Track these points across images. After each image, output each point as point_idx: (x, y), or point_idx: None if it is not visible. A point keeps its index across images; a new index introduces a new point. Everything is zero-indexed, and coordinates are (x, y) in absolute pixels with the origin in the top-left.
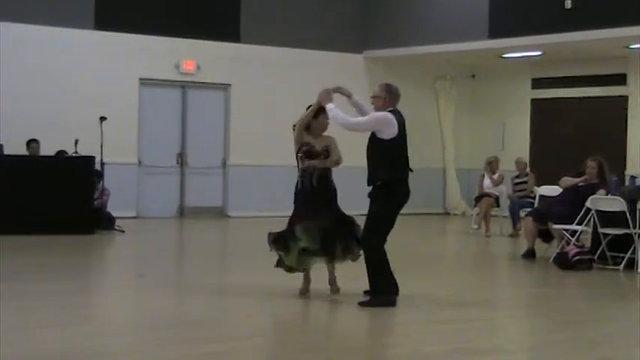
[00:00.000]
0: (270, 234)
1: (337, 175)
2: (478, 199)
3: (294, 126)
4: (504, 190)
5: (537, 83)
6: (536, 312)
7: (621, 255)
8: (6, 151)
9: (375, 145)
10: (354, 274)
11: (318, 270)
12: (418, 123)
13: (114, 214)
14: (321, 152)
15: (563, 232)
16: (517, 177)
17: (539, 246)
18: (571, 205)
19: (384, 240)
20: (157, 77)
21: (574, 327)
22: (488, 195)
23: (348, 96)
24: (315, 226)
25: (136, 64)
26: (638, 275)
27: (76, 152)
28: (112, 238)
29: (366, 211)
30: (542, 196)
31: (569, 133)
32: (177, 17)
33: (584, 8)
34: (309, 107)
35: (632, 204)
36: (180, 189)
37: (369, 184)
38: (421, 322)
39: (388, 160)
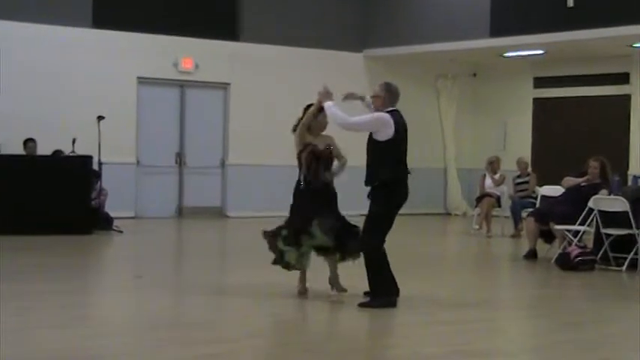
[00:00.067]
0: (266, 232)
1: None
2: (479, 199)
3: (295, 127)
4: (506, 190)
5: (539, 82)
6: (537, 313)
7: (624, 256)
8: (2, 151)
9: (372, 145)
10: (353, 274)
11: (318, 270)
12: (419, 122)
13: (112, 214)
14: (324, 151)
15: (566, 232)
16: (518, 177)
17: (541, 246)
18: (573, 206)
19: (383, 240)
20: (155, 76)
21: (575, 328)
22: (489, 195)
23: (362, 99)
24: (329, 224)
25: (133, 63)
26: None
27: (73, 152)
28: (110, 238)
29: (365, 211)
30: (544, 196)
31: (571, 133)
32: (175, 15)
33: (587, 6)
34: (307, 107)
35: (634, 204)
36: (179, 189)
37: (366, 185)
38: (421, 324)
39: (385, 161)
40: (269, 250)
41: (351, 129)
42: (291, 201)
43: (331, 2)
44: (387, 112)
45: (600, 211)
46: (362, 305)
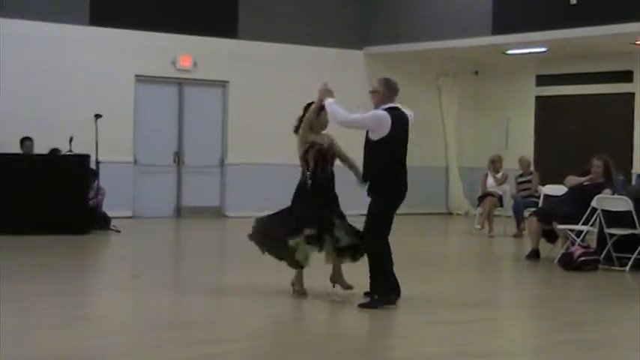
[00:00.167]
0: (274, 230)
1: (337, 175)
2: (481, 198)
3: (296, 128)
4: (508, 190)
5: (542, 80)
6: (539, 313)
7: (627, 256)
8: None
9: (367, 144)
10: (353, 274)
11: (317, 269)
12: (420, 121)
13: (109, 213)
14: (329, 149)
15: (568, 232)
16: (521, 176)
17: (544, 246)
18: (576, 205)
19: (385, 238)
20: (153, 74)
21: (577, 329)
22: (491, 194)
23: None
24: (347, 224)
25: (131, 61)
26: None
27: (70, 150)
28: (108, 238)
29: (365, 210)
30: (546, 196)
31: (574, 131)
32: (173, 13)
33: (590, 3)
34: (307, 106)
35: (638, 203)
36: (177, 188)
37: (363, 181)
38: (422, 324)
39: (379, 160)
40: (255, 243)
41: (352, 126)
42: (290, 200)
43: None
44: (387, 108)
45: (604, 211)
46: (362, 306)
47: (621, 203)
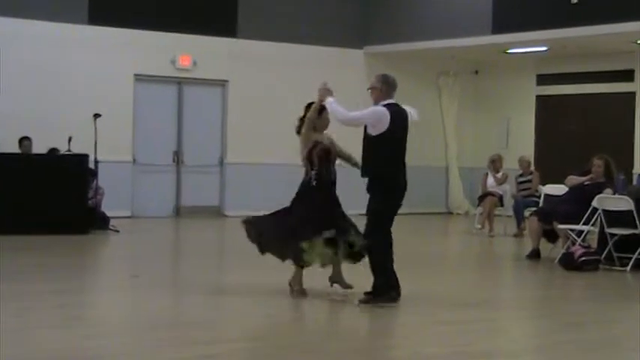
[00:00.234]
0: (274, 230)
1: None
2: (481, 198)
3: (298, 129)
4: (508, 189)
5: (542, 79)
6: (539, 313)
7: (628, 256)
8: None
9: (366, 139)
10: (353, 274)
11: (316, 269)
12: (420, 120)
13: (108, 213)
14: (332, 148)
15: (569, 232)
16: (521, 175)
17: (544, 246)
18: (577, 205)
19: (385, 236)
20: (153, 73)
21: (578, 329)
22: (491, 194)
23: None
24: (354, 225)
25: (130, 60)
26: None
27: (69, 150)
28: (107, 238)
29: (365, 210)
30: (547, 195)
31: (574, 131)
32: (173, 11)
33: (590, 2)
34: (308, 106)
35: (639, 203)
36: (176, 188)
37: (362, 176)
38: (422, 324)
39: (378, 155)
40: (256, 244)
41: (351, 124)
42: (291, 200)
43: None
44: (385, 104)
45: (604, 211)
46: (362, 302)
47: (622, 203)
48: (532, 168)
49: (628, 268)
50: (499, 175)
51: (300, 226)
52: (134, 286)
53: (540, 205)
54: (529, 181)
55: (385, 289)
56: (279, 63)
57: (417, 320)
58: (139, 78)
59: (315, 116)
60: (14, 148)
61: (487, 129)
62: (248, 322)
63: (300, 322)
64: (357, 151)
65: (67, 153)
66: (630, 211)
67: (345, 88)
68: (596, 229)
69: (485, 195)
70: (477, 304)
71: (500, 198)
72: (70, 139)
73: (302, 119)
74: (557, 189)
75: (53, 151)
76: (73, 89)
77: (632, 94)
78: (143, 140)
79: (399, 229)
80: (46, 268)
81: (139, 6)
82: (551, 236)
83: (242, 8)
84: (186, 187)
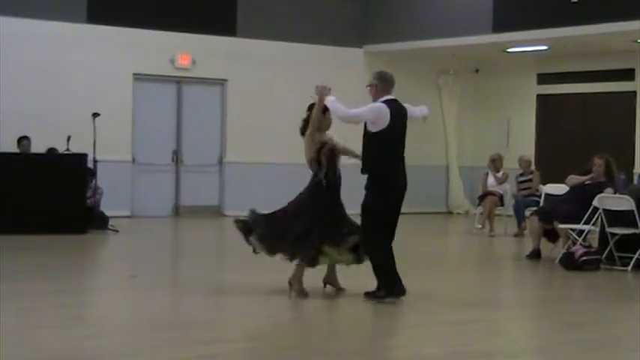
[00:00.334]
0: (285, 230)
1: None
2: (482, 197)
3: (303, 130)
4: (509, 189)
5: (543, 78)
6: (540, 314)
7: (629, 255)
8: None
9: (366, 136)
10: (353, 274)
11: (315, 269)
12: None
13: (107, 213)
14: (337, 148)
15: (570, 231)
16: (521, 175)
17: (545, 246)
18: (578, 204)
19: (385, 236)
20: (152, 72)
21: (578, 329)
22: (492, 193)
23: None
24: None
25: (129, 59)
26: None
27: (67, 149)
28: (106, 237)
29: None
30: (547, 195)
31: (575, 130)
32: (172, 10)
33: (591, 1)
34: (310, 106)
35: None
36: (176, 187)
37: (362, 173)
38: (422, 324)
39: (378, 152)
40: (265, 247)
41: (352, 121)
42: (290, 199)
43: None
44: (384, 101)
45: (605, 210)
46: (367, 294)
47: (623, 202)
48: (532, 167)
49: (629, 267)
50: (499, 174)
51: (316, 227)
52: (134, 286)
53: (541, 204)
54: (529, 180)
55: (387, 287)
56: (278, 62)
57: (417, 320)
58: (138, 77)
59: (319, 117)
60: (13, 148)
61: (487, 128)
62: (248, 322)
63: (300, 322)
64: (357, 151)
65: (65, 152)
66: (631, 211)
67: (345, 87)
68: (597, 229)
69: (485, 194)
70: (477, 304)
71: (501, 197)
72: (68, 139)
73: (306, 120)
74: (558, 188)
75: (51, 150)
76: (72, 88)
77: (633, 94)
78: (142, 139)
79: (399, 229)
80: (45, 268)
81: (138, 5)
82: (552, 236)
83: (241, 7)
84: (185, 186)
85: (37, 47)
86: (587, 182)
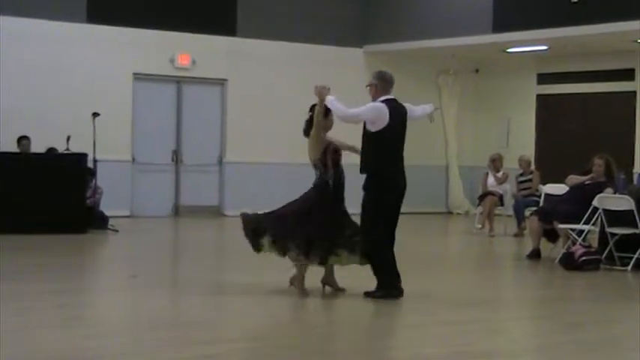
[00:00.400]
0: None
1: None
2: (482, 197)
3: (306, 131)
4: (509, 189)
5: (543, 78)
6: (540, 314)
7: (629, 255)
8: None
9: (365, 135)
10: (352, 275)
11: (315, 269)
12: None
13: (107, 213)
14: (340, 149)
15: (570, 231)
16: (521, 175)
17: (545, 246)
18: (577, 204)
19: (385, 236)
20: (151, 72)
21: (578, 329)
22: (492, 193)
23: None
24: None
25: (129, 59)
26: None
27: (67, 149)
28: (106, 237)
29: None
30: (547, 195)
31: (575, 130)
32: (172, 10)
33: (591, 1)
34: (312, 107)
35: None
36: (176, 187)
37: (361, 172)
38: (422, 324)
39: (378, 151)
40: (247, 238)
41: (351, 120)
42: (289, 199)
43: None
44: (383, 100)
45: (605, 210)
46: (367, 294)
47: (623, 202)
48: (532, 167)
49: (629, 267)
50: (499, 174)
51: (326, 228)
52: (134, 286)
53: (541, 204)
54: (529, 180)
55: (387, 286)
56: (278, 62)
57: (417, 320)
58: (138, 77)
59: (322, 118)
60: (13, 148)
61: (487, 128)
62: (248, 322)
63: (300, 322)
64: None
65: (65, 152)
66: (631, 211)
67: (345, 87)
68: (597, 229)
69: (485, 194)
70: (477, 304)
71: (501, 197)
72: (68, 138)
73: (309, 121)
74: (558, 188)
75: (51, 150)
76: (72, 88)
77: (633, 94)
78: (142, 139)
79: (399, 229)
80: (45, 268)
81: (137, 4)
82: (552, 236)
83: (241, 7)
84: (185, 186)
85: (37, 47)
86: (587, 182)
